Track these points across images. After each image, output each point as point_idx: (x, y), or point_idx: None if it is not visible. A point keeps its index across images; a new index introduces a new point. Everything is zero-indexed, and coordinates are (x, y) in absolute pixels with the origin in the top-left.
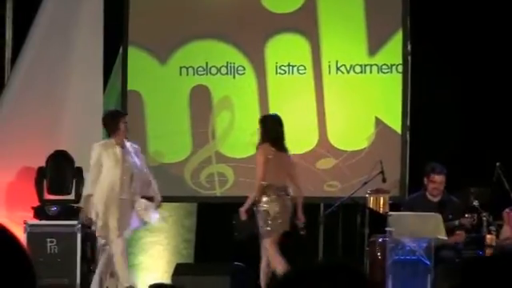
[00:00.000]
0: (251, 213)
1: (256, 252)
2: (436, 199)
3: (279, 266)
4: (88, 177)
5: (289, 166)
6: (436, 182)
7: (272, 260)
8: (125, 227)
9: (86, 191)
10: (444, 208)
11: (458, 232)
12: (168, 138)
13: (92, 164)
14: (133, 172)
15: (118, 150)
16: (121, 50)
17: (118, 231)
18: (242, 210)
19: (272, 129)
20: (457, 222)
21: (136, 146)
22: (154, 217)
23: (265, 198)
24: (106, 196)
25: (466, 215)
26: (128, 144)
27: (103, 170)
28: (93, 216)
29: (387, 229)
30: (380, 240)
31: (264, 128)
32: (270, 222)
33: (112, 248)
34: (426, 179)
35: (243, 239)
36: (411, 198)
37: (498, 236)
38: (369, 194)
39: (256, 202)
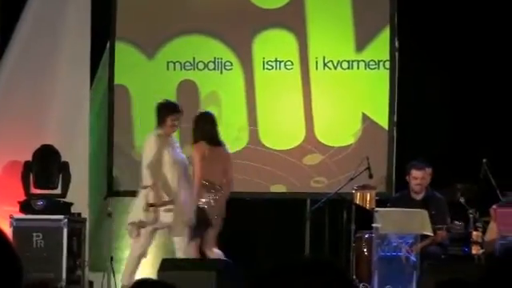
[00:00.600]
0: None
1: (243, 247)
2: (419, 197)
3: None
4: (145, 167)
5: (225, 161)
6: (417, 178)
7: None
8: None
9: (145, 182)
10: (428, 205)
11: (439, 231)
12: None
13: (152, 154)
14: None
15: (172, 140)
16: (108, 44)
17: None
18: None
19: (204, 128)
20: (444, 227)
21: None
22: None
23: (203, 195)
24: (171, 188)
25: (456, 222)
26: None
27: (164, 161)
28: (166, 197)
29: (373, 225)
30: (366, 236)
31: (196, 127)
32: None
33: (176, 243)
34: (408, 177)
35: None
36: (395, 197)
37: (484, 233)
38: (355, 190)
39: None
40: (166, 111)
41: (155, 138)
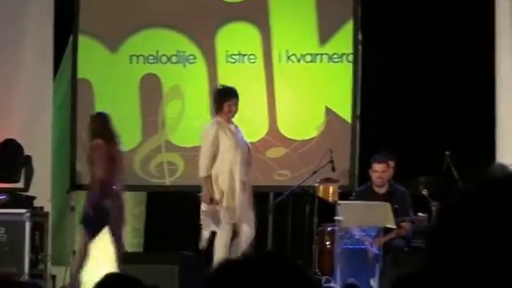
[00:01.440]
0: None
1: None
2: (382, 190)
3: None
4: (201, 158)
5: (121, 158)
6: (378, 171)
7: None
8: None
9: (201, 173)
10: (390, 198)
11: (403, 224)
12: (118, 127)
13: (208, 144)
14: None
15: (232, 127)
16: (71, 38)
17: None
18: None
19: (99, 126)
20: (408, 219)
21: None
22: None
23: (103, 194)
24: (228, 178)
25: (420, 214)
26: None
27: (221, 149)
28: (217, 196)
29: (336, 218)
30: (329, 229)
31: (93, 126)
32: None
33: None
34: (370, 170)
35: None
36: (358, 191)
37: None
38: (318, 183)
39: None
40: (222, 97)
41: (211, 126)
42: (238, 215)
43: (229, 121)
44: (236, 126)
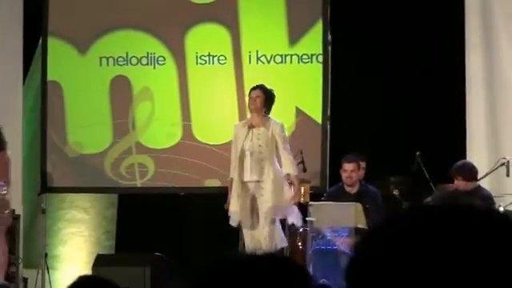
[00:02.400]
0: None
1: (177, 242)
2: (353, 190)
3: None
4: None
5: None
6: (347, 171)
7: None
8: (249, 216)
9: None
10: (362, 199)
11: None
12: (88, 129)
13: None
14: (252, 152)
15: (246, 127)
16: (40, 40)
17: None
18: None
19: None
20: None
21: (275, 125)
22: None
23: None
24: (235, 179)
25: None
26: (268, 123)
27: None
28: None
29: (308, 218)
30: (300, 230)
31: None
32: None
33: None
34: (340, 170)
35: None
36: (329, 192)
37: None
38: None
39: None
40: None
41: (234, 125)
42: (238, 218)
43: (253, 115)
44: (273, 122)
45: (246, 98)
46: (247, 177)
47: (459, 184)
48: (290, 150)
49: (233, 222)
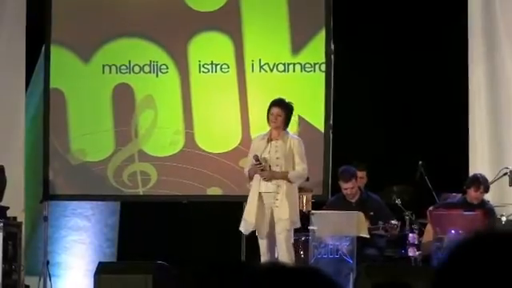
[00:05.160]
0: None
1: (179, 250)
2: (354, 200)
3: None
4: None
5: None
6: (347, 189)
7: None
8: (265, 227)
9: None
10: (364, 207)
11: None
12: (91, 137)
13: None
14: (269, 164)
15: (265, 140)
16: (43, 48)
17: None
18: None
19: None
20: (381, 227)
21: (293, 139)
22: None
23: None
24: (251, 190)
25: (392, 221)
26: (286, 137)
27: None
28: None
29: (310, 227)
30: (303, 239)
31: None
32: None
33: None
34: (340, 183)
35: None
36: (331, 200)
37: (420, 235)
38: None
39: None
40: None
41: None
42: (250, 228)
43: (274, 131)
44: (290, 136)
45: (249, 106)
46: (263, 188)
47: (476, 195)
48: (306, 168)
49: (243, 229)
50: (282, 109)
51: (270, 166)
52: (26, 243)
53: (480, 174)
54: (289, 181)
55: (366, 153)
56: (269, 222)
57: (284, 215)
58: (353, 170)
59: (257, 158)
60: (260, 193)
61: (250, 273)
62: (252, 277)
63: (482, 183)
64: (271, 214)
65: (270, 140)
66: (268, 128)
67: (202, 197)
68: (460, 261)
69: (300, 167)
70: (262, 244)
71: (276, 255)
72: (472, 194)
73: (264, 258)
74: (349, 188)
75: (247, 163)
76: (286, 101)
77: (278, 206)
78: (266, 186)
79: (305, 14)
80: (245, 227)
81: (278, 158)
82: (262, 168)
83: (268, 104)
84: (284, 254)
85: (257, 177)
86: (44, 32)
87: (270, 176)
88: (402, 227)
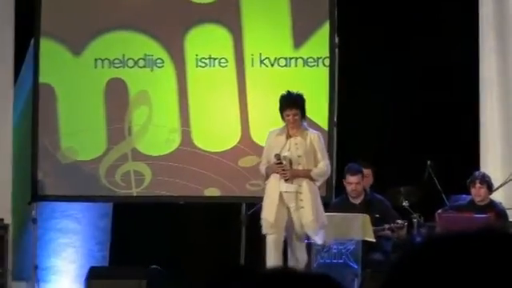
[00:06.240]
0: None
1: (176, 253)
2: (358, 201)
3: None
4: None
5: None
6: (352, 183)
7: None
8: (280, 227)
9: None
10: (368, 209)
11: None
12: (82, 134)
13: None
14: (291, 162)
15: (283, 136)
16: (32, 41)
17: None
18: None
19: None
20: (386, 227)
21: (313, 134)
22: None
23: None
24: (268, 188)
25: (398, 221)
26: (305, 132)
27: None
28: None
29: None
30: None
31: None
32: None
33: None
34: (344, 181)
35: None
36: (333, 203)
37: None
38: None
39: None
40: (281, 106)
41: (269, 132)
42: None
43: (291, 130)
44: (310, 133)
45: (249, 102)
46: (284, 187)
47: (480, 192)
48: (329, 164)
49: (265, 230)
50: (297, 108)
51: (291, 165)
52: (14, 246)
53: (479, 171)
54: (311, 179)
55: (371, 152)
56: (286, 222)
57: (309, 216)
58: (360, 167)
59: (278, 158)
60: (281, 192)
61: (261, 279)
62: (263, 283)
63: (477, 178)
64: (289, 214)
65: (288, 137)
66: (274, 125)
67: (199, 198)
68: (410, 264)
69: (323, 163)
70: (271, 241)
71: (280, 255)
72: (472, 192)
73: (270, 255)
74: (354, 183)
75: (262, 159)
76: (296, 95)
77: (303, 206)
78: (287, 186)
79: (307, 5)
80: (266, 227)
81: (299, 156)
82: (283, 168)
83: (278, 100)
84: (303, 255)
85: (275, 175)
86: (33, 24)
87: (292, 176)
88: (409, 230)
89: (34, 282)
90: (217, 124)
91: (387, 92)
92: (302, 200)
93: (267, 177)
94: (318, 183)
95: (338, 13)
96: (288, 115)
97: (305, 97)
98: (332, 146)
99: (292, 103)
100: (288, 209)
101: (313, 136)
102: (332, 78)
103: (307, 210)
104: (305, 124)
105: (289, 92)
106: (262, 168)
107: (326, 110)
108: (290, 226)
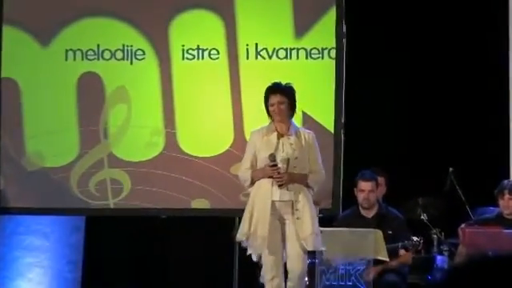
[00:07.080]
0: None
1: (160, 272)
2: (371, 214)
3: None
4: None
5: None
6: (365, 191)
7: None
8: (276, 242)
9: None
10: (381, 224)
11: (402, 253)
12: (50, 137)
13: (244, 156)
14: (286, 165)
15: (274, 135)
16: None
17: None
18: None
19: None
20: (400, 245)
21: (306, 133)
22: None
23: None
24: (255, 197)
25: (414, 237)
26: (297, 131)
27: (259, 162)
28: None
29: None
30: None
31: None
32: None
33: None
34: (355, 190)
35: None
36: (342, 216)
37: (451, 257)
38: None
39: None
40: (265, 94)
41: (251, 132)
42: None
43: (279, 124)
44: (303, 131)
45: (243, 100)
46: (277, 195)
47: (509, 204)
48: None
49: (255, 251)
50: (282, 94)
51: (287, 168)
52: None
53: (508, 180)
54: (306, 185)
55: (384, 158)
56: (280, 235)
57: (307, 230)
58: (374, 174)
59: (273, 158)
60: (273, 201)
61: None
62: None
63: (506, 187)
64: (282, 228)
65: (280, 136)
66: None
67: (185, 210)
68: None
69: (319, 168)
70: (269, 260)
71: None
72: (500, 203)
73: (269, 276)
74: (367, 190)
75: (244, 163)
76: (284, 84)
77: (299, 217)
78: (281, 194)
79: None
80: (257, 247)
81: (296, 158)
82: (278, 170)
83: (263, 94)
84: (303, 272)
85: (265, 182)
86: None
87: (289, 180)
88: (428, 248)
89: None
90: (206, 125)
91: (403, 89)
92: (298, 210)
93: (252, 183)
94: (313, 191)
95: None
96: (272, 104)
97: (295, 90)
98: (339, 150)
99: (274, 89)
100: (282, 221)
101: (307, 136)
102: (339, 72)
103: (305, 222)
104: (293, 122)
105: (275, 82)
106: (246, 173)
107: (332, 109)
108: (283, 238)
